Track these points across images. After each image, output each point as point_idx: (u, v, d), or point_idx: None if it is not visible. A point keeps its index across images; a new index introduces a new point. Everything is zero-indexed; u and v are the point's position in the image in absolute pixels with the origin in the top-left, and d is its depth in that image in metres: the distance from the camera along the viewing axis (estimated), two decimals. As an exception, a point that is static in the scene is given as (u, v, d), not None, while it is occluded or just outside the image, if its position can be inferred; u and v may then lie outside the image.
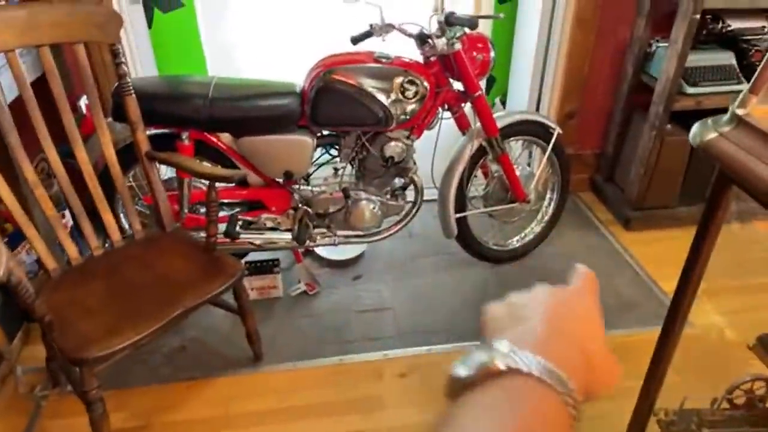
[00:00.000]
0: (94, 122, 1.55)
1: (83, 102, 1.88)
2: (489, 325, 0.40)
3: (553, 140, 2.10)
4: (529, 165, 2.55)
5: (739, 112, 0.81)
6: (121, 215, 1.96)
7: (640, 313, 2.07)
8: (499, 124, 1.99)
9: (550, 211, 2.34)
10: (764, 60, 0.79)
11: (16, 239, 1.79)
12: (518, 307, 0.40)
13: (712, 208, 0.87)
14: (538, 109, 2.67)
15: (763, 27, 2.23)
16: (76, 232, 1.72)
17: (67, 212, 1.95)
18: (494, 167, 2.12)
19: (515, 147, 2.22)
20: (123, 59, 1.54)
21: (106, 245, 1.62)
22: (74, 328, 1.33)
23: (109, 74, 2.01)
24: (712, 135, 0.81)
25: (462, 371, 0.34)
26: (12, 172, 1.51)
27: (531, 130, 2.12)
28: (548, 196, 2.34)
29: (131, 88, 1.56)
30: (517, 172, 2.13)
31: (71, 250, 1.53)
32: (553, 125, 2.11)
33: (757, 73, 0.80)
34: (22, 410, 1.69)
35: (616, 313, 2.05)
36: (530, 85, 2.66)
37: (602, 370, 0.37)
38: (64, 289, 1.45)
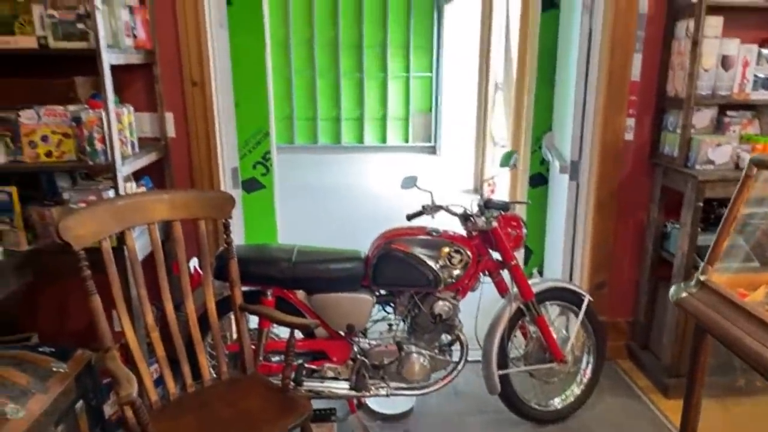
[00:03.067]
0: (203, 280, 1.94)
1: (192, 263, 2.31)
2: None
3: (584, 306, 2.36)
4: (566, 329, 2.76)
5: (702, 277, 1.10)
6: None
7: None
8: (534, 290, 2.29)
9: (588, 374, 2.50)
10: (715, 238, 1.10)
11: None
12: None
13: (695, 354, 1.12)
14: (571, 279, 2.97)
15: (766, 213, 2.55)
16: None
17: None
18: (532, 328, 2.36)
19: (552, 311, 2.48)
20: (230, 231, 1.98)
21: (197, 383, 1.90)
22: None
23: (211, 242, 2.47)
24: (684, 295, 1.11)
25: None
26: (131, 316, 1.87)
27: (564, 296, 2.40)
28: (585, 359, 2.52)
29: (234, 253, 1.97)
30: (554, 335, 2.37)
31: (171, 385, 1.82)
32: (583, 292, 2.39)
33: (711, 248, 1.11)
34: None
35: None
36: (563, 259, 2.99)
37: None
38: (164, 420, 1.71)
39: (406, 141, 9.24)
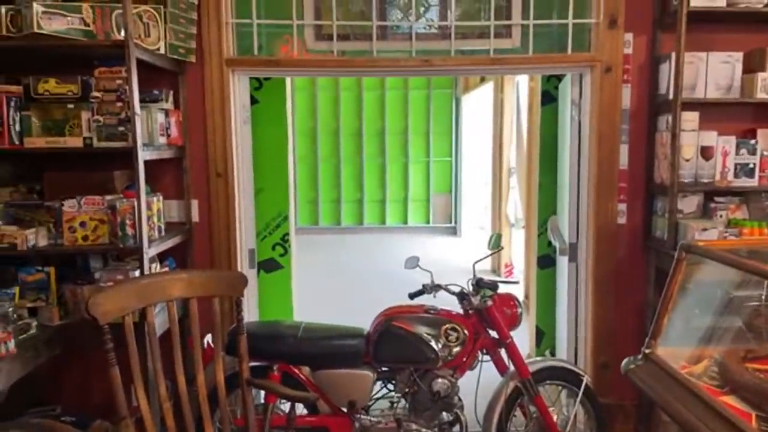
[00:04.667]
0: (215, 356, 2.09)
1: (207, 339, 2.47)
2: None
3: (582, 386, 2.40)
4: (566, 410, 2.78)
5: (647, 351, 1.23)
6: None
7: None
8: (531, 369, 2.36)
9: (591, 455, 2.49)
10: (657, 312, 1.23)
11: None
12: None
13: (647, 421, 1.22)
14: (576, 359, 3.00)
15: (760, 294, 2.61)
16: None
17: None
18: (532, 408, 2.41)
19: (554, 391, 2.52)
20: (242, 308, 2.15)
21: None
22: None
23: (224, 318, 2.64)
24: (631, 367, 1.22)
25: None
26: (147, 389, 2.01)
27: (562, 376, 2.45)
28: (588, 440, 2.52)
29: (244, 330, 2.13)
30: (554, 415, 2.40)
31: (178, 455, 1.93)
32: (581, 372, 2.44)
33: (653, 324, 1.24)
34: None
35: None
36: (567, 339, 3.05)
37: None
38: (168, 487, 1.81)
39: (427, 222, 9.47)
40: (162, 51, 2.41)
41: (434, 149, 9.31)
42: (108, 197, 2.28)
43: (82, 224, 2.25)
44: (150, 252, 2.29)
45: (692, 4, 2.41)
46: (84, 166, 2.45)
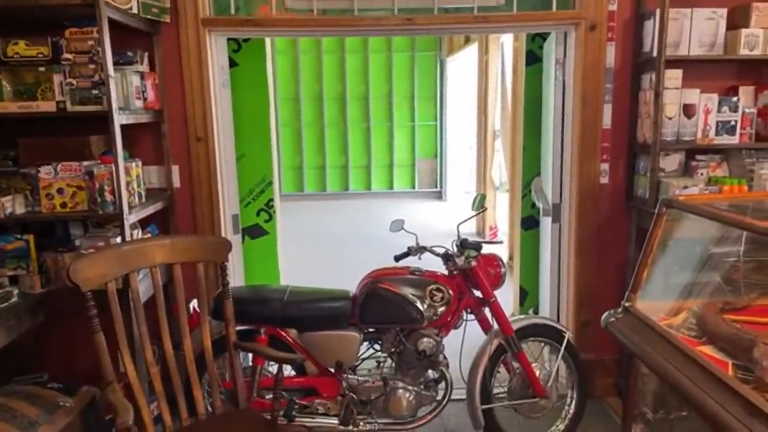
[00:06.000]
0: (201, 320, 2.09)
1: (192, 304, 2.46)
2: None
3: (564, 342, 2.46)
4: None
5: (627, 304, 1.24)
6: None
7: None
8: (515, 326, 2.40)
9: (572, 410, 2.57)
10: (637, 267, 1.25)
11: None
12: None
13: (627, 373, 1.24)
14: (558, 318, 3.06)
15: (738, 249, 2.66)
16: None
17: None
18: (515, 364, 2.46)
19: (537, 348, 2.57)
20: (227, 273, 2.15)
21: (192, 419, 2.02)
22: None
23: (210, 284, 2.64)
24: (611, 320, 1.24)
25: None
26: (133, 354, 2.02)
27: (545, 333, 2.50)
28: (569, 395, 2.59)
29: (230, 294, 2.13)
30: (537, 371, 2.46)
31: (167, 419, 1.95)
32: (563, 329, 2.49)
33: (633, 277, 1.25)
34: None
35: None
36: (549, 298, 3.10)
37: None
38: (158, 448, 1.83)
39: (413, 187, 9.47)
40: (135, 11, 2.32)
41: (419, 113, 9.23)
42: (85, 163, 2.23)
43: (60, 191, 2.21)
44: (130, 218, 2.26)
45: (677, -42, 2.38)
46: (59, 131, 2.39)
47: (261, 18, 2.72)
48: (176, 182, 2.71)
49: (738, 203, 1.67)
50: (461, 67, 8.35)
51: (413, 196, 9.36)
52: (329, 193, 9.31)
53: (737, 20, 2.56)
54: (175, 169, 2.70)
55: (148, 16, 2.42)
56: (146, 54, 2.55)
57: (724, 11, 2.53)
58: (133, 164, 2.39)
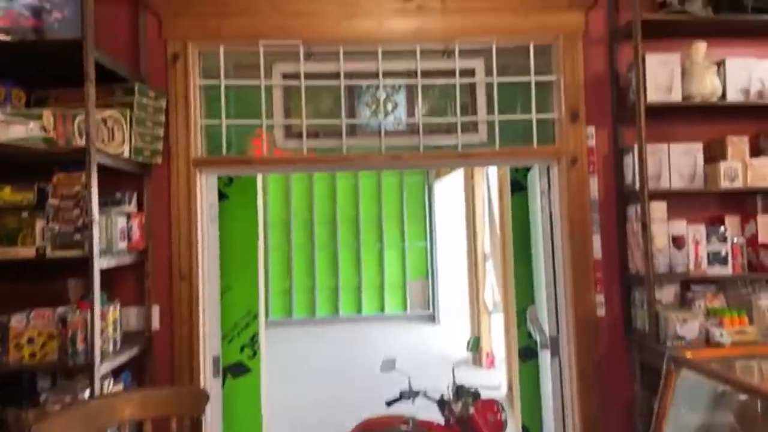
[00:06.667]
0: (170, 484, 1.87)
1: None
2: None
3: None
4: None
5: None
6: None
7: None
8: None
9: None
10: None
11: None
12: None
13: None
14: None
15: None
16: None
17: None
18: None
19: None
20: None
21: None
22: None
23: (185, 438, 2.42)
24: None
25: None
26: None
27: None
28: None
29: (205, 453, 1.93)
30: None
31: None
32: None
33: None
34: None
35: None
36: (555, 439, 2.87)
37: None
38: None
39: (404, 309, 9.29)
40: (126, 155, 2.35)
41: (409, 234, 9.34)
42: (59, 309, 2.12)
43: (30, 340, 2.08)
44: (102, 369, 2.10)
45: (649, 99, 2.50)
46: (38, 275, 2.31)
47: (252, 157, 2.78)
48: (155, 324, 2.58)
49: (746, 353, 1.57)
50: (449, 190, 8.61)
51: (405, 319, 9.16)
52: (318, 319, 9.09)
53: (714, 152, 2.64)
54: (156, 310, 2.59)
55: (140, 159, 2.45)
56: (135, 194, 2.56)
57: (699, 145, 2.62)
58: (111, 307, 2.29)
